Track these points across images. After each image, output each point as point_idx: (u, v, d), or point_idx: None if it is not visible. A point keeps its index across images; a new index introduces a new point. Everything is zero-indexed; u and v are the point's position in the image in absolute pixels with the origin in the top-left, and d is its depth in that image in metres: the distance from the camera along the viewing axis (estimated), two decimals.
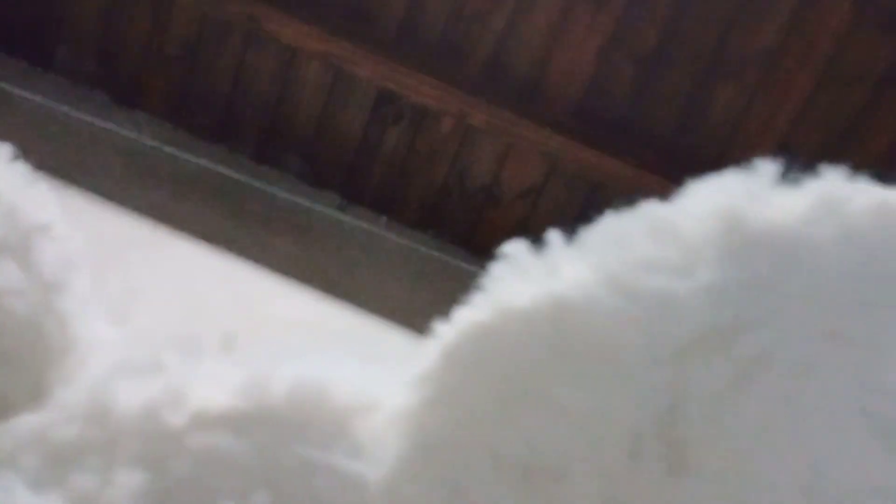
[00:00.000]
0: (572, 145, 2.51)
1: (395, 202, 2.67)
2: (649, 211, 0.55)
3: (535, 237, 0.66)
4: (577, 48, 2.46)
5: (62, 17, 2.59)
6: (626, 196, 2.61)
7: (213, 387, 0.55)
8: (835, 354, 0.43)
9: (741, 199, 0.51)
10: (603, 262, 0.51)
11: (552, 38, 2.47)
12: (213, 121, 2.64)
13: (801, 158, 0.59)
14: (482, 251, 2.72)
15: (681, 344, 0.45)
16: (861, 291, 0.45)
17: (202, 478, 0.49)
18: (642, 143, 2.53)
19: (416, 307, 2.41)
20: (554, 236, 0.54)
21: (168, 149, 2.57)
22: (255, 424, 0.51)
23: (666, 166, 2.52)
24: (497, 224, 2.65)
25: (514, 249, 0.54)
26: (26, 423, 0.59)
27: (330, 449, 0.48)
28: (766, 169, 0.54)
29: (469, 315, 0.52)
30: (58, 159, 2.30)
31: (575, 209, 2.60)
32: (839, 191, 0.53)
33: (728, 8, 2.39)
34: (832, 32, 2.38)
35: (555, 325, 0.46)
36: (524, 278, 0.51)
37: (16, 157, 0.72)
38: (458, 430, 0.48)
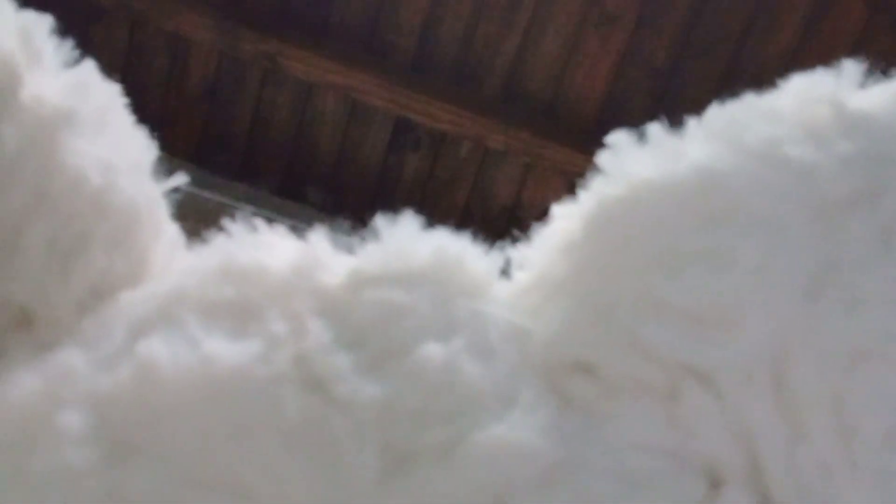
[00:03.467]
0: (592, 162, 2.50)
1: None
2: (752, 101, 0.60)
3: None
4: (592, 65, 2.47)
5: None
6: None
7: (346, 257, 0.57)
8: None
9: (835, 88, 0.57)
10: (733, 138, 0.54)
11: (566, 57, 2.47)
12: (235, 158, 2.66)
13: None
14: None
15: (826, 206, 0.50)
16: None
17: (388, 325, 0.50)
18: None
19: None
20: (654, 127, 0.59)
21: (191, 189, 2.59)
22: (415, 282, 0.50)
23: None
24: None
25: (618, 139, 0.58)
26: (160, 287, 0.58)
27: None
28: (850, 69, 0.59)
29: (606, 188, 0.56)
30: None
31: None
32: None
33: (741, 16, 2.39)
34: (848, 34, 2.37)
35: (702, 194, 0.49)
36: (653, 154, 0.56)
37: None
38: (618, 288, 0.50)
